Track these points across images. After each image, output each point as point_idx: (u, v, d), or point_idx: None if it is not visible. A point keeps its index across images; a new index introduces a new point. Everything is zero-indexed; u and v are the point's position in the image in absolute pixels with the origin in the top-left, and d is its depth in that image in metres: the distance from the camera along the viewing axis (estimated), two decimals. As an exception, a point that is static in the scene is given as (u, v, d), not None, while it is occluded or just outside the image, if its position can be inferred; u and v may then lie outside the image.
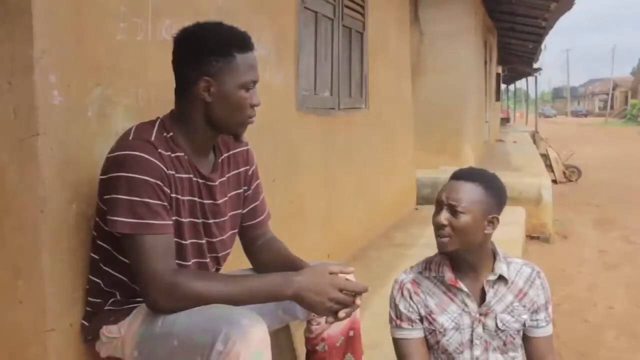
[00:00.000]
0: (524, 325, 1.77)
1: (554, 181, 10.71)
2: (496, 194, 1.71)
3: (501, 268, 1.74)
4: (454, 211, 1.66)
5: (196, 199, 1.63)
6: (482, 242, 1.71)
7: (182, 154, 1.59)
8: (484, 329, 1.74)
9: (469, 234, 1.66)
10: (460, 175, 1.72)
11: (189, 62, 1.56)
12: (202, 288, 1.47)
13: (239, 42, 1.58)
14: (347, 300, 1.58)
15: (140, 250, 1.46)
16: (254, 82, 1.60)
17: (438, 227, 1.69)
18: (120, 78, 1.82)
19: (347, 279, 1.62)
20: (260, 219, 1.85)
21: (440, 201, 1.70)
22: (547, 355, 1.78)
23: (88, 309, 1.64)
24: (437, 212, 1.70)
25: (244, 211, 1.81)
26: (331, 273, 1.59)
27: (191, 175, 1.61)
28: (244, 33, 1.61)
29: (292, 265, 1.72)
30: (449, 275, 1.73)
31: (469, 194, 1.67)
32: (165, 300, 1.46)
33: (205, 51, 1.55)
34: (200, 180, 1.63)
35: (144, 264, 1.45)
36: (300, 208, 3.40)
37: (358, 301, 1.61)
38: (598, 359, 3.83)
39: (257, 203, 1.84)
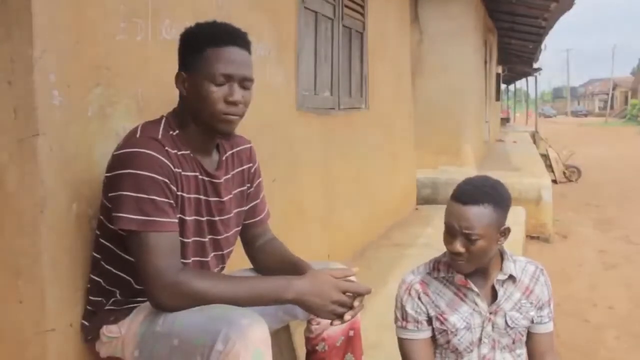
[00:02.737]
0: (532, 321, 1.78)
1: (554, 181, 10.71)
2: (504, 207, 1.68)
3: (510, 267, 1.75)
4: (469, 238, 1.63)
5: (201, 196, 1.63)
6: (494, 251, 1.71)
7: (188, 151, 1.60)
8: (493, 327, 1.75)
9: (485, 254, 1.67)
10: (467, 199, 1.64)
11: (178, 59, 1.62)
12: (205, 287, 1.47)
13: (211, 36, 1.57)
14: (349, 302, 1.58)
15: (145, 248, 1.46)
16: (228, 77, 1.56)
17: (455, 254, 1.66)
18: (120, 78, 1.82)
19: (349, 281, 1.62)
20: (260, 217, 1.86)
21: (452, 228, 1.65)
22: (548, 352, 1.80)
23: (88, 307, 1.64)
24: (451, 238, 1.66)
25: (245, 208, 1.81)
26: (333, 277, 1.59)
27: (197, 173, 1.61)
28: (225, 28, 1.60)
29: (294, 266, 1.72)
30: (459, 276, 1.73)
31: (481, 219, 1.62)
32: (168, 298, 1.46)
33: (182, 46, 1.60)
34: (206, 178, 1.64)
35: (148, 262, 1.45)
36: (300, 208, 3.40)
37: (357, 302, 1.61)
38: (598, 359, 3.83)
39: (257, 201, 1.85)
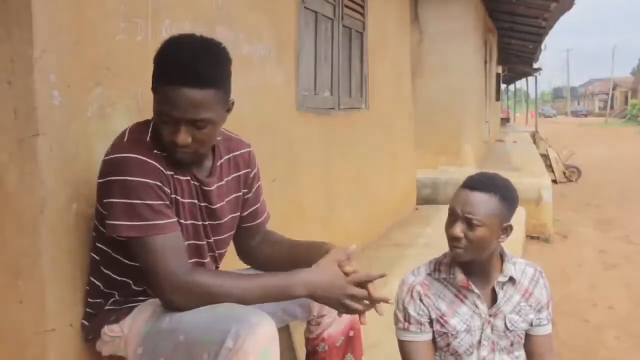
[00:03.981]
0: (531, 324, 1.77)
1: (554, 181, 10.71)
2: (511, 203, 1.69)
3: (510, 269, 1.74)
4: (470, 223, 1.63)
5: (196, 201, 1.62)
6: (495, 248, 1.71)
7: None
8: (492, 330, 1.75)
9: (484, 244, 1.65)
10: (475, 186, 1.67)
11: None
12: (217, 285, 1.47)
13: (164, 72, 1.45)
14: (363, 293, 1.57)
15: (152, 252, 1.45)
16: (173, 118, 1.45)
17: (453, 239, 1.66)
18: (120, 78, 1.82)
19: (357, 272, 1.60)
20: (259, 220, 1.85)
21: (455, 212, 1.66)
22: (546, 353, 1.80)
23: (88, 309, 1.64)
24: (452, 222, 1.67)
25: (245, 213, 1.80)
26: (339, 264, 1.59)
27: (188, 178, 1.59)
28: (181, 65, 1.43)
29: (301, 248, 1.72)
30: (460, 277, 1.72)
31: (485, 206, 1.63)
32: (182, 298, 1.45)
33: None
34: (196, 183, 1.62)
35: (157, 265, 1.45)
36: (300, 208, 3.40)
37: (374, 292, 1.59)
38: (598, 359, 3.83)
39: (257, 206, 1.84)
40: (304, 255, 1.68)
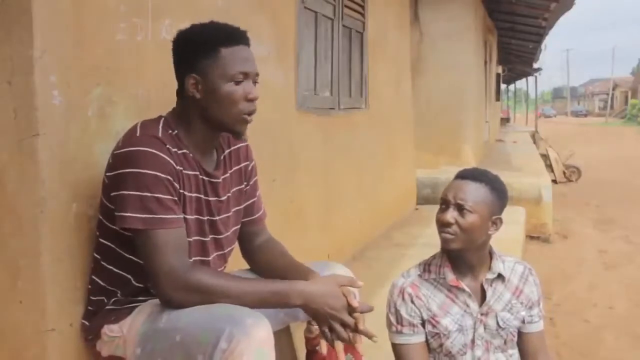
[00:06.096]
0: (523, 322, 1.78)
1: (554, 181, 10.72)
2: (500, 196, 1.74)
3: (499, 267, 1.75)
4: (461, 210, 1.68)
5: (202, 196, 1.63)
6: (484, 242, 1.72)
7: (187, 151, 1.59)
8: (485, 328, 1.75)
9: (474, 233, 1.68)
10: (466, 175, 1.74)
11: (180, 62, 1.60)
12: (215, 285, 1.48)
13: (223, 36, 1.57)
14: (352, 324, 1.57)
15: (154, 246, 1.46)
16: (246, 74, 1.58)
17: (444, 225, 1.69)
18: (120, 78, 1.82)
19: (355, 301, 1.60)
20: (257, 215, 1.86)
21: (446, 200, 1.71)
22: (540, 351, 1.81)
23: (89, 307, 1.64)
24: (443, 210, 1.71)
25: (243, 207, 1.81)
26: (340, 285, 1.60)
27: (197, 173, 1.61)
28: (233, 28, 1.61)
29: (294, 269, 1.72)
30: (451, 277, 1.73)
31: (476, 193, 1.69)
32: (180, 295, 1.46)
33: (190, 49, 1.58)
34: (205, 178, 1.64)
35: (158, 260, 1.46)
36: (300, 208, 3.40)
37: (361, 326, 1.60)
38: (598, 359, 3.83)
39: (254, 199, 1.85)
40: (297, 277, 1.66)
